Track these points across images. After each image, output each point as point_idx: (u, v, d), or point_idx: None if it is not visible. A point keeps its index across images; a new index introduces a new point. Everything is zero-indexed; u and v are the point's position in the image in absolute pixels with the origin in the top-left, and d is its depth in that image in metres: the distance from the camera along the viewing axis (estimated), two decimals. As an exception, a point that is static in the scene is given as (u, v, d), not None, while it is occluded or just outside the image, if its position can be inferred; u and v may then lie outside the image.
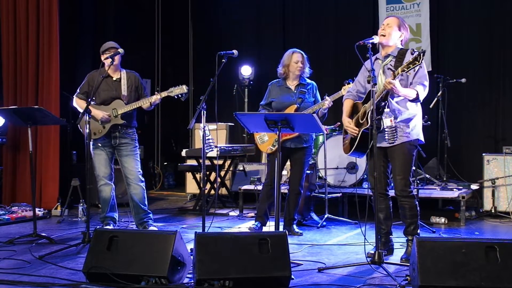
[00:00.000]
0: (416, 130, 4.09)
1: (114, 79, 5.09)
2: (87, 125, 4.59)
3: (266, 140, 5.18)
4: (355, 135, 4.09)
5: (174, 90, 4.89)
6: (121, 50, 4.88)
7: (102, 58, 4.99)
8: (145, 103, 5.01)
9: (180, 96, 4.89)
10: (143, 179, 5.16)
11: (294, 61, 5.11)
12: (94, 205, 6.42)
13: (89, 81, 5.09)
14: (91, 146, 5.09)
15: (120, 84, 5.08)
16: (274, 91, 5.19)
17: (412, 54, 3.87)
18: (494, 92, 7.31)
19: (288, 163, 5.26)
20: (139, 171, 5.14)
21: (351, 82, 4.72)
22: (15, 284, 3.45)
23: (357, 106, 4.21)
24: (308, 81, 5.20)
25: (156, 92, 5.06)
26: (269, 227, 5.10)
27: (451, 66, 7.43)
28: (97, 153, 5.09)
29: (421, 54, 3.68)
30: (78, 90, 5.16)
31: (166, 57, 9.48)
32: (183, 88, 4.87)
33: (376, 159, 3.85)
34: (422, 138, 4.17)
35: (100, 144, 5.06)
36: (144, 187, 5.17)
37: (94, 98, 4.80)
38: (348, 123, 4.19)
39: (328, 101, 4.93)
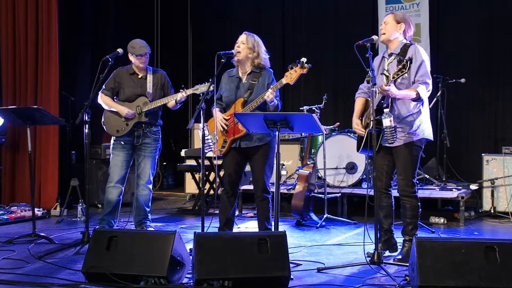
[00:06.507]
0: (421, 129, 4.03)
1: (139, 76, 5.09)
2: (86, 125, 4.58)
3: (216, 142, 4.42)
4: (363, 135, 4.10)
5: (200, 87, 4.78)
6: (120, 50, 4.88)
7: (131, 58, 5.00)
8: (169, 100, 4.99)
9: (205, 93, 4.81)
10: (152, 181, 5.14)
11: (236, 41, 4.39)
12: (93, 205, 6.42)
13: (115, 77, 5.06)
14: (111, 145, 5.08)
15: (146, 82, 5.07)
16: (224, 83, 4.51)
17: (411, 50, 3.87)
18: (494, 92, 7.31)
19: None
20: (153, 173, 5.13)
21: (293, 67, 4.09)
22: (14, 284, 3.45)
23: (369, 103, 4.18)
24: (263, 69, 4.39)
25: (181, 90, 4.93)
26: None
27: (450, 66, 7.43)
28: (115, 154, 5.05)
29: (408, 62, 3.68)
30: (103, 87, 5.05)
31: (166, 57, 9.47)
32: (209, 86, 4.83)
33: (376, 159, 3.86)
34: (429, 135, 4.10)
35: (123, 143, 5.03)
36: (151, 189, 5.16)
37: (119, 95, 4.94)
38: (356, 124, 4.20)
39: (269, 92, 4.12)
